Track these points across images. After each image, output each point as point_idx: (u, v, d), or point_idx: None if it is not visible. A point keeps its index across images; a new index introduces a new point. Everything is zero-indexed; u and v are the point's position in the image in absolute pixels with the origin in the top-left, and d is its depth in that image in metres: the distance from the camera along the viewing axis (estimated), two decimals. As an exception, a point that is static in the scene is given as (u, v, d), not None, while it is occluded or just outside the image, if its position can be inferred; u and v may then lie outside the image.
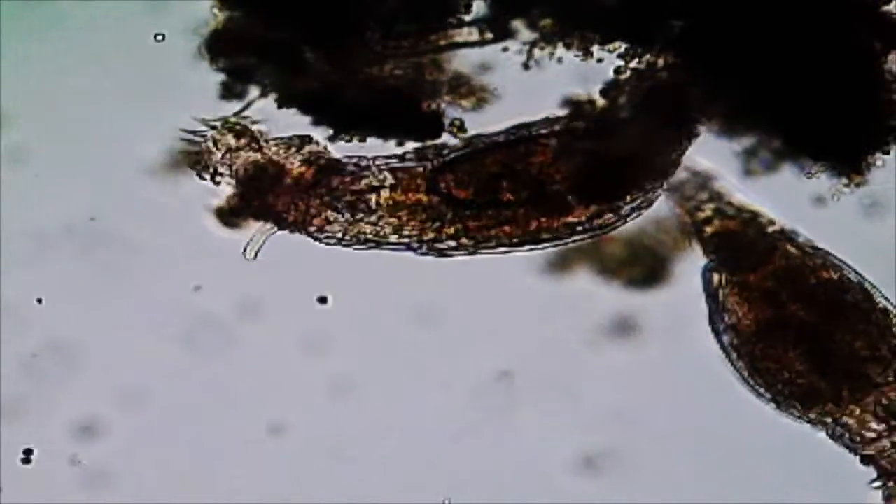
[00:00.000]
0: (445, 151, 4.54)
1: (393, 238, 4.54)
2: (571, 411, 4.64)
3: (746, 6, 4.41)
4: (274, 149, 4.53)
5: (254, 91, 4.52)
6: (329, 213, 4.51)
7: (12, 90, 4.57)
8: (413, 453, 4.65)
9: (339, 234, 4.54)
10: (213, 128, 4.54)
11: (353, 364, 4.66)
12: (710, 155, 4.56)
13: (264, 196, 4.52)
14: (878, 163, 4.51)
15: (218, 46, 4.50)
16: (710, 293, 4.54)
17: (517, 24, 4.51)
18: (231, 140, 4.51)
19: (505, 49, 4.52)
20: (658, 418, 4.62)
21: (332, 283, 4.63)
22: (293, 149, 4.53)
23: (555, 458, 4.65)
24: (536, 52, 4.51)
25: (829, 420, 4.49)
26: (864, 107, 4.46)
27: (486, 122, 4.56)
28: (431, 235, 4.52)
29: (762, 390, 4.51)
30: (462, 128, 4.56)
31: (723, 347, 4.53)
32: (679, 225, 4.59)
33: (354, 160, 4.55)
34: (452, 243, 4.52)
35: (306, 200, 4.52)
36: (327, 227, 4.53)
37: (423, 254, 4.56)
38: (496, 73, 4.54)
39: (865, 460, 4.51)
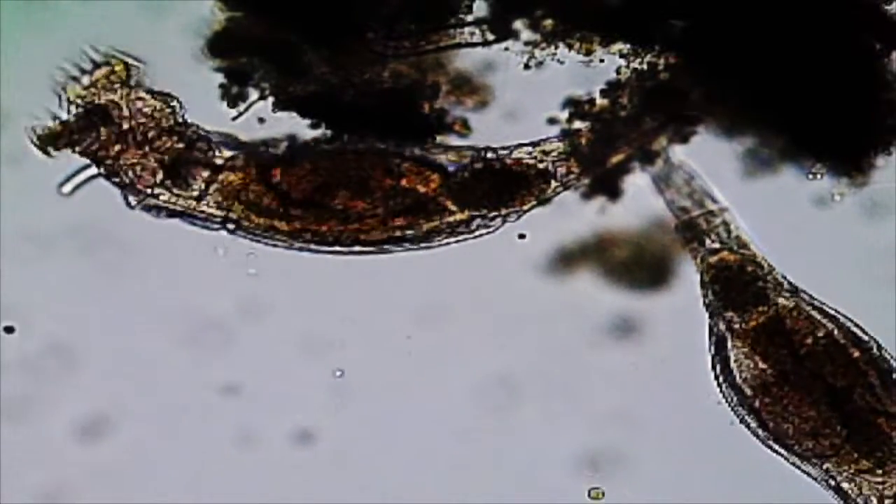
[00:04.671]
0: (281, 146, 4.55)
1: (210, 210, 4.54)
2: (572, 412, 4.64)
3: (747, 6, 4.41)
4: (134, 96, 4.51)
5: (253, 92, 4.53)
6: (148, 170, 4.49)
7: (12, 90, 4.57)
8: (413, 453, 4.65)
9: (151, 192, 4.52)
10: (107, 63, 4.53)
11: (353, 364, 4.66)
12: (712, 157, 4.57)
13: (93, 131, 4.50)
14: (880, 163, 4.52)
15: (219, 47, 4.51)
16: (717, 350, 4.54)
17: (518, 24, 4.52)
18: (110, 77, 4.50)
19: (506, 49, 4.53)
20: (658, 419, 4.62)
21: (332, 283, 4.63)
22: (151, 100, 4.52)
23: (556, 458, 4.65)
24: (538, 52, 4.51)
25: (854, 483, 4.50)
26: (865, 107, 4.46)
27: (486, 122, 4.58)
28: (257, 221, 4.53)
29: (779, 446, 4.52)
30: (467, 126, 4.56)
31: (733, 407, 4.53)
32: (683, 246, 4.60)
33: (199, 133, 4.54)
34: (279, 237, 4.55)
35: (126, 149, 4.49)
36: (140, 183, 4.51)
37: (230, 232, 4.56)
38: (497, 73, 4.55)
39: None
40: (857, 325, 4.50)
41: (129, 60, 4.52)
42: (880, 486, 4.46)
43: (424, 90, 4.52)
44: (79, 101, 4.49)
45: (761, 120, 4.48)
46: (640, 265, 4.63)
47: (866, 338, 4.49)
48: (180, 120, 4.52)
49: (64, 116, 4.50)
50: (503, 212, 4.53)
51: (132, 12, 4.57)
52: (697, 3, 4.44)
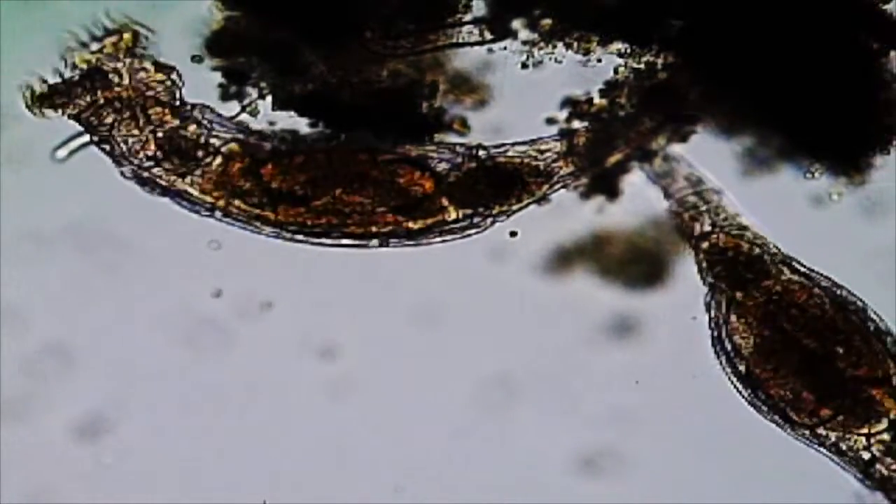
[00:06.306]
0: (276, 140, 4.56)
1: (195, 193, 4.54)
2: (571, 411, 4.64)
3: (746, 6, 4.41)
4: (137, 66, 4.51)
5: (252, 92, 4.53)
6: (140, 142, 4.49)
7: (12, 90, 4.57)
8: (413, 453, 4.65)
9: (141, 164, 4.52)
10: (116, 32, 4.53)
11: (353, 364, 4.66)
12: (710, 157, 4.57)
13: (87, 94, 4.49)
14: (878, 162, 4.51)
15: (217, 46, 4.51)
16: (712, 319, 4.54)
17: (517, 23, 4.52)
18: (117, 45, 4.50)
19: (504, 49, 4.53)
20: (658, 418, 4.62)
21: (332, 283, 4.64)
22: (153, 72, 4.52)
23: (555, 458, 4.65)
24: (536, 51, 4.51)
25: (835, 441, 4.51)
26: (863, 107, 4.46)
27: (484, 121, 4.58)
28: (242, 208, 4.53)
29: (770, 413, 4.52)
30: (465, 125, 4.56)
31: (728, 373, 4.54)
32: (678, 229, 4.60)
33: (200, 112, 4.55)
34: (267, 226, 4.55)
35: (122, 117, 4.50)
36: (131, 154, 4.51)
37: (218, 218, 4.56)
38: (496, 72, 4.56)
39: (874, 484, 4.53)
40: (850, 293, 4.52)
41: (139, 30, 4.52)
42: (866, 437, 4.49)
43: (422, 89, 4.53)
44: (82, 66, 4.49)
45: (759, 119, 4.48)
46: (637, 264, 4.63)
47: (860, 304, 4.52)
48: (178, 95, 4.53)
49: (61, 78, 4.51)
50: (497, 210, 4.54)
51: (131, 12, 4.58)
52: (695, 2, 4.44)
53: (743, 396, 4.53)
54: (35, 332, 4.66)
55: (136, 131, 4.50)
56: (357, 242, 4.55)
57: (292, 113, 4.53)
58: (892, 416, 4.47)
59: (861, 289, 4.55)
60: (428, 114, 4.53)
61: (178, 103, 4.53)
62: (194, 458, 4.65)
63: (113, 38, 4.50)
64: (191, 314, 4.66)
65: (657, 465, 4.62)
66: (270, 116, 4.56)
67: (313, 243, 4.55)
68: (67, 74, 4.50)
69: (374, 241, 4.54)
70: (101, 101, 4.50)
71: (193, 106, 4.54)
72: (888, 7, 4.48)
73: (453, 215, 4.54)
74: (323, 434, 4.66)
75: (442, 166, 4.53)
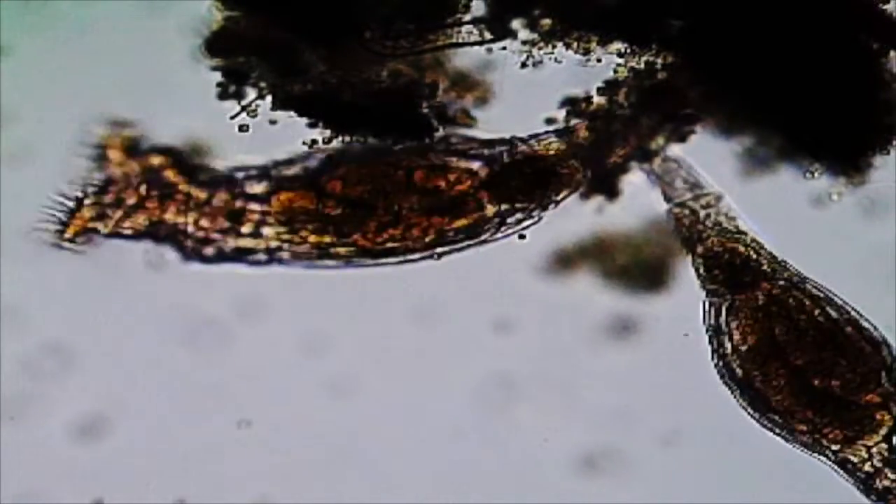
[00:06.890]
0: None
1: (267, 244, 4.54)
2: (571, 412, 4.64)
3: (746, 5, 4.41)
4: (141, 163, 4.53)
5: (251, 92, 4.53)
6: (190, 223, 4.51)
7: (12, 90, 4.57)
8: (413, 453, 4.65)
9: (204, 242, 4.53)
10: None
11: (353, 364, 4.66)
12: (710, 156, 4.57)
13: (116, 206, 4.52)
14: (878, 162, 4.51)
15: (217, 46, 4.51)
16: (710, 323, 4.55)
17: (516, 23, 4.52)
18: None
19: (504, 48, 4.53)
20: (658, 419, 4.62)
21: (332, 282, 4.64)
22: (159, 159, 4.53)
23: (555, 458, 4.65)
24: (535, 51, 4.51)
25: (835, 453, 4.51)
26: (863, 106, 4.46)
27: (484, 121, 4.58)
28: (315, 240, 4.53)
29: (766, 419, 4.53)
30: (469, 115, 4.56)
31: (725, 377, 4.54)
32: (676, 232, 4.60)
33: (221, 174, 4.56)
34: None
35: (165, 211, 4.52)
36: (189, 238, 4.53)
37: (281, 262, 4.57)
38: (495, 72, 4.56)
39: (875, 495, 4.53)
40: (845, 303, 4.52)
41: (125, 131, 4.54)
42: (866, 449, 4.50)
43: (422, 89, 4.53)
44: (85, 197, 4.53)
45: (759, 119, 4.48)
46: (638, 267, 4.63)
47: (854, 314, 4.52)
48: (188, 170, 4.54)
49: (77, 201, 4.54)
50: (538, 203, 4.53)
51: (132, 12, 4.58)
52: (695, 2, 4.44)
53: (739, 403, 4.53)
54: (35, 332, 4.66)
55: (181, 216, 4.51)
56: (422, 256, 4.54)
57: (292, 113, 4.53)
58: (887, 427, 4.47)
59: (860, 289, 4.55)
60: (431, 110, 4.53)
61: (197, 177, 4.55)
62: (194, 458, 4.65)
63: (109, 158, 4.52)
64: (190, 314, 4.66)
65: (657, 465, 4.63)
66: (270, 116, 4.57)
67: (381, 265, 4.55)
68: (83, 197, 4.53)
69: (436, 253, 4.53)
70: (131, 204, 4.52)
71: (207, 169, 4.55)
72: (888, 7, 4.48)
73: (491, 211, 4.53)
74: (323, 434, 4.66)
75: (476, 163, 4.53)
